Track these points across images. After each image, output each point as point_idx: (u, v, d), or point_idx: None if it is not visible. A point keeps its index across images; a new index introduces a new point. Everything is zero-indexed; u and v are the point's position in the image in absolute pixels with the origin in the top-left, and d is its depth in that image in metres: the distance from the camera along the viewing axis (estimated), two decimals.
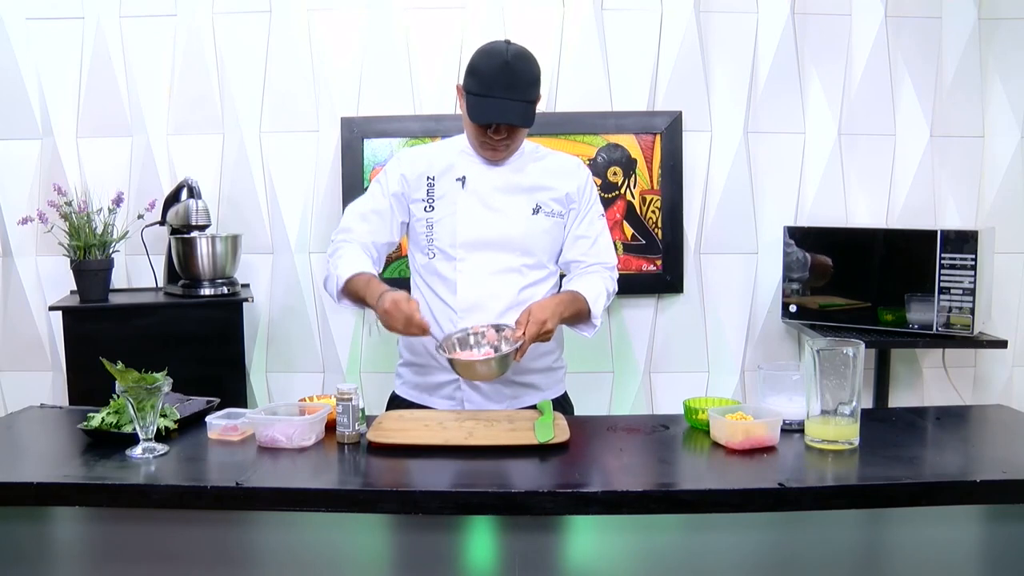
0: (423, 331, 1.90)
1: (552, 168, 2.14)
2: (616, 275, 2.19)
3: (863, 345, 1.69)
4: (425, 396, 2.14)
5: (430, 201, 2.09)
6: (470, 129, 2.05)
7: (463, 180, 2.08)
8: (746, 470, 1.59)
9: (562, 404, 2.15)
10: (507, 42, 2.00)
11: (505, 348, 1.89)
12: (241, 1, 3.01)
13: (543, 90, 3.00)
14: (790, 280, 2.96)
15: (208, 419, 1.81)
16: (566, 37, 3.02)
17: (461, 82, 2.03)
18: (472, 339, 1.96)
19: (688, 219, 3.07)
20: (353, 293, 2.02)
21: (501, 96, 1.95)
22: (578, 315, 2.04)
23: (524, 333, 1.88)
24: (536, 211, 2.09)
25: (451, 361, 1.89)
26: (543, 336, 1.91)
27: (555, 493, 1.47)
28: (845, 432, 1.66)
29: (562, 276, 2.20)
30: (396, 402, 2.19)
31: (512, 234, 2.07)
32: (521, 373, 2.08)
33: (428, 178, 2.10)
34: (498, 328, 1.96)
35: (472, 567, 1.59)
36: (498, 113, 1.96)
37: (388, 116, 3.02)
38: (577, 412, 2.21)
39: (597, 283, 2.10)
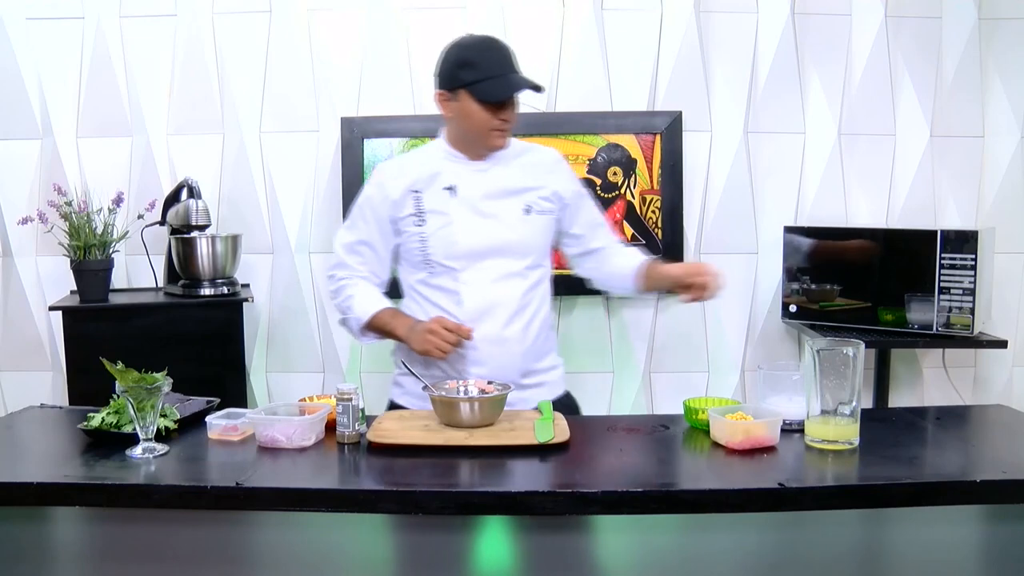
0: (468, 336, 1.95)
1: (534, 164, 2.12)
2: None
3: (863, 345, 1.69)
4: (425, 405, 2.12)
5: (420, 215, 2.05)
6: (476, 122, 1.99)
7: (453, 189, 2.05)
8: (746, 470, 1.59)
9: (566, 403, 2.14)
10: (470, 35, 2.04)
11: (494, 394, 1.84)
12: (241, 1, 3.01)
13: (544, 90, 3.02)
14: (793, 278, 2.96)
15: (208, 419, 1.81)
16: (566, 37, 3.02)
17: (441, 88, 2.01)
18: (461, 390, 1.88)
19: (688, 219, 3.07)
20: (378, 329, 2.07)
21: (510, 71, 1.98)
22: None
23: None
24: (528, 211, 2.07)
25: (434, 401, 1.83)
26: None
27: (555, 493, 1.47)
28: (845, 432, 1.66)
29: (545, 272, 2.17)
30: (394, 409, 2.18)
31: (510, 238, 2.05)
32: (531, 375, 2.07)
33: (414, 192, 2.06)
34: (489, 382, 1.91)
35: (471, 567, 1.60)
36: (519, 82, 1.97)
37: (388, 116, 3.02)
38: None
39: (635, 250, 2.19)
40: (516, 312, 2.04)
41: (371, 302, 2.06)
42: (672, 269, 2.05)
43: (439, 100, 2.04)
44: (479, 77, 1.95)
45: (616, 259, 2.18)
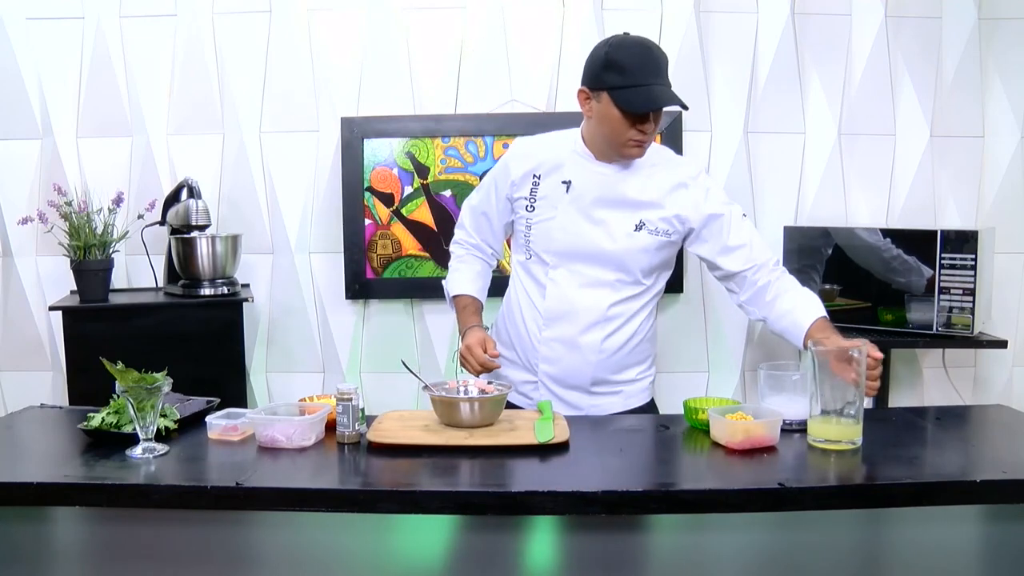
0: (494, 367, 1.99)
1: (665, 180, 2.00)
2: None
3: (864, 344, 1.69)
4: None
5: (532, 201, 2.03)
6: (612, 128, 1.91)
7: (568, 184, 2.00)
8: (746, 470, 1.59)
9: (647, 412, 2.12)
10: (626, 34, 1.93)
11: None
12: (241, 1, 3.01)
13: (544, 90, 3.03)
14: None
15: (208, 419, 1.81)
16: (566, 37, 3.02)
17: (583, 86, 1.93)
18: (461, 390, 1.87)
19: None
20: (455, 306, 2.18)
21: (658, 82, 1.86)
22: None
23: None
24: (639, 228, 1.98)
25: (434, 401, 1.82)
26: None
27: (555, 493, 1.46)
28: (848, 432, 1.66)
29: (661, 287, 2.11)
30: None
31: (608, 249, 1.98)
32: (603, 384, 2.06)
33: (534, 176, 2.03)
34: (489, 382, 1.91)
35: (470, 566, 1.60)
36: (664, 97, 1.86)
37: (388, 116, 3.02)
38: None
39: (809, 293, 1.98)
40: (598, 321, 2.01)
41: (459, 284, 2.16)
42: (841, 343, 1.76)
43: (580, 97, 1.96)
44: (624, 83, 1.85)
45: (781, 303, 1.97)
